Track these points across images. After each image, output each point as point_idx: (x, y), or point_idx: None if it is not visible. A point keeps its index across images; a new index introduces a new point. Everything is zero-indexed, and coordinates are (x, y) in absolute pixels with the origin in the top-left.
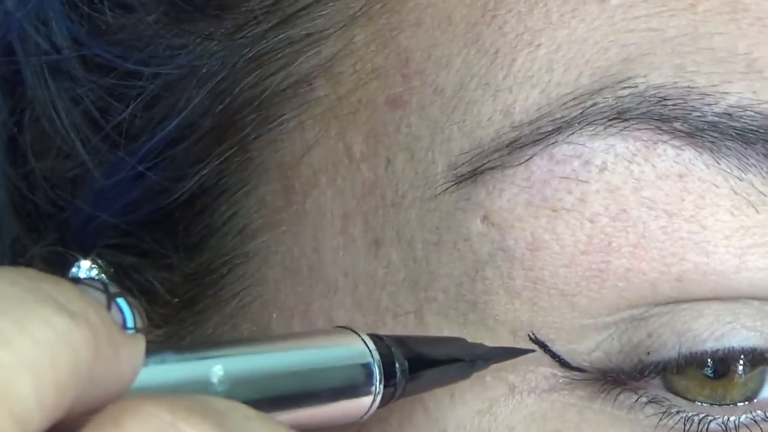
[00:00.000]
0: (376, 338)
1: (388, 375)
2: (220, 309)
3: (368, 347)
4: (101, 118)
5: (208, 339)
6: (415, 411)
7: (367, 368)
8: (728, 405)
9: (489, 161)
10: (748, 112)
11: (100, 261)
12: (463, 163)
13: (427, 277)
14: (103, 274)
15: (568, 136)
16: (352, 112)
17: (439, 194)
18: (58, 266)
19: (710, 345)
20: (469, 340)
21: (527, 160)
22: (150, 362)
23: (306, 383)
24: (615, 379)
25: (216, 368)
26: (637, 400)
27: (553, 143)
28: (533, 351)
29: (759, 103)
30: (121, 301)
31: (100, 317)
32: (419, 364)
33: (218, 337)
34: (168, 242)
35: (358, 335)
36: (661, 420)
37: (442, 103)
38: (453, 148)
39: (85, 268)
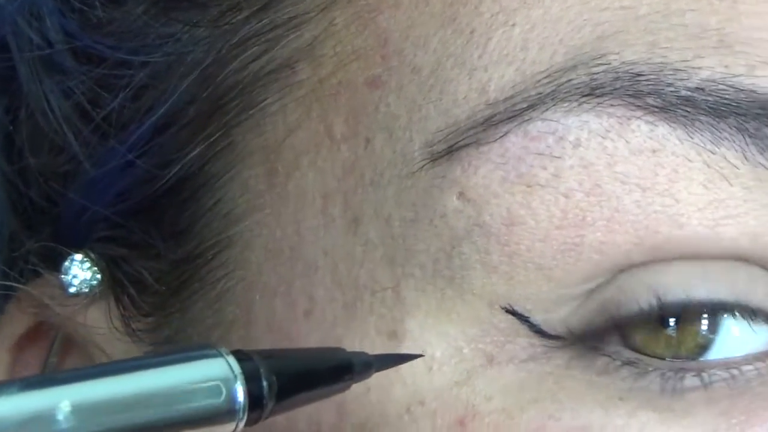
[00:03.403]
0: (242, 355)
1: (255, 393)
2: (205, 294)
3: (230, 366)
4: (92, 109)
5: (59, 369)
6: (393, 384)
7: (230, 388)
8: (699, 360)
9: (464, 138)
10: (721, 86)
11: (92, 254)
12: (438, 141)
13: (404, 254)
14: (95, 267)
15: (542, 113)
16: (333, 93)
17: (416, 172)
18: (52, 261)
19: (680, 296)
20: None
21: (502, 136)
22: None
23: (163, 410)
24: (592, 344)
25: (63, 404)
26: (611, 364)
27: (527, 120)
28: (421, 356)
29: (731, 77)
30: None
31: None
32: (294, 378)
33: (200, 323)
34: (156, 232)
35: (221, 354)
36: (636, 380)
37: (420, 83)
38: (429, 126)
39: (78, 261)
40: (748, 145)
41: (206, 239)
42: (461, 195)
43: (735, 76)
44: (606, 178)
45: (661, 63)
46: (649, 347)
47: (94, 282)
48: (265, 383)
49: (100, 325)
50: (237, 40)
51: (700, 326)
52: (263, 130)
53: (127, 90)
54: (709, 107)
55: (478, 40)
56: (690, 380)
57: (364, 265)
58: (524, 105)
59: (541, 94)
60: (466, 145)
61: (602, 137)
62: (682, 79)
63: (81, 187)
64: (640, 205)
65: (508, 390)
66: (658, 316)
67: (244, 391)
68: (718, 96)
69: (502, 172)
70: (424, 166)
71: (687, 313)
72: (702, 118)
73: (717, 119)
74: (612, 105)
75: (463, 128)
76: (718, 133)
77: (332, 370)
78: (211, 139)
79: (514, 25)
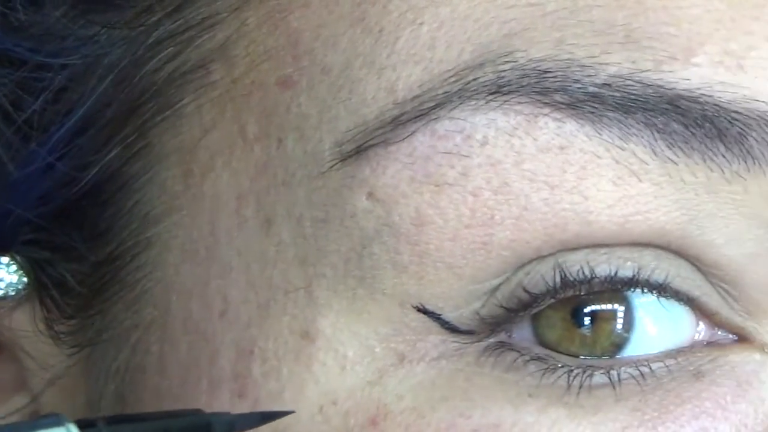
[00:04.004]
0: (86, 422)
1: None
2: (124, 296)
3: None
4: (14, 111)
5: None
6: (306, 383)
7: None
8: (609, 358)
9: (373, 138)
10: (628, 82)
11: (18, 257)
12: (347, 141)
13: (316, 254)
14: (21, 270)
15: (449, 111)
16: (246, 94)
17: (326, 172)
18: None
19: (585, 273)
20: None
21: (409, 136)
22: None
23: None
24: (503, 338)
25: None
26: (520, 359)
27: (435, 119)
28: (291, 412)
29: (638, 73)
30: None
31: None
32: None
33: (120, 324)
34: (77, 234)
35: (61, 422)
36: (544, 376)
37: (330, 82)
38: (339, 126)
39: (4, 264)
40: (656, 140)
41: (125, 241)
42: (370, 195)
43: (642, 71)
44: (514, 176)
45: (568, 59)
46: (563, 345)
47: (20, 285)
48: None
49: (26, 328)
50: (152, 41)
51: (615, 325)
52: (179, 131)
53: (47, 92)
54: (617, 103)
55: (386, 39)
56: (599, 378)
57: (277, 265)
58: (431, 104)
59: (448, 92)
60: (375, 145)
61: (509, 135)
62: (589, 76)
63: (5, 190)
64: (549, 203)
65: (419, 388)
66: (568, 298)
67: None
68: (625, 92)
69: (410, 172)
70: (334, 166)
71: (597, 298)
72: (610, 114)
73: (625, 115)
74: (519, 102)
75: (371, 128)
76: (627, 129)
77: None
78: (128, 141)
79: (422, 23)
